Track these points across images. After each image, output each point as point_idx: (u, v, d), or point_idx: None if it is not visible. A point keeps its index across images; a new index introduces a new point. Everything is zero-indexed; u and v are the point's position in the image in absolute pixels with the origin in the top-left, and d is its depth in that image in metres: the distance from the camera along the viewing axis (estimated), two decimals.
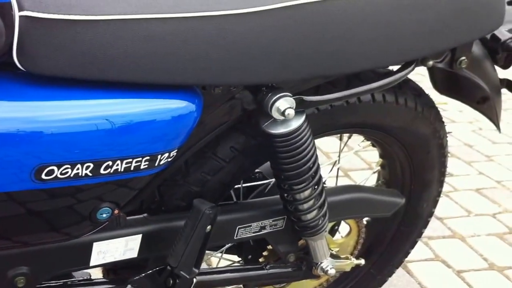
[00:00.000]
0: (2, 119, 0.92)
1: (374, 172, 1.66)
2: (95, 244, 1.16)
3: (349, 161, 2.82)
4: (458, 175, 2.88)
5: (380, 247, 1.68)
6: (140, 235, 1.21)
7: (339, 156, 1.57)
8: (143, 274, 1.23)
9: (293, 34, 1.05)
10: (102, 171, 1.01)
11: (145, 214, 1.24)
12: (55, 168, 0.97)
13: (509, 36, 1.38)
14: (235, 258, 1.53)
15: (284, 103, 1.13)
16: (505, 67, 1.44)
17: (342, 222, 1.55)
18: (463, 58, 1.34)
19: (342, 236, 1.58)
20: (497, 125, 1.53)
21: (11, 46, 0.90)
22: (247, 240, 1.34)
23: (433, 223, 2.39)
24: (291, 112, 1.13)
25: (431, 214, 1.66)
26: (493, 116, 1.51)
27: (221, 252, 1.47)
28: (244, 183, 1.41)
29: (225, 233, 1.29)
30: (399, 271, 1.78)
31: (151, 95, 1.02)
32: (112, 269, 1.30)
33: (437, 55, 1.32)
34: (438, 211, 2.38)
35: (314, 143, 1.22)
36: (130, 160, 1.03)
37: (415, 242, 1.71)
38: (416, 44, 1.19)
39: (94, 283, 1.23)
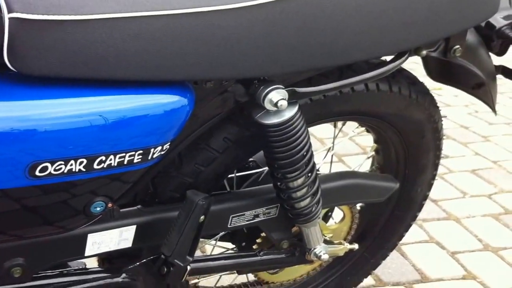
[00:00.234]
0: None
1: (368, 158, 1.68)
2: (89, 236, 1.18)
3: (343, 147, 2.82)
4: (454, 157, 2.89)
5: (374, 231, 1.69)
6: (134, 226, 1.23)
7: (333, 143, 1.58)
8: (137, 263, 1.24)
9: (283, 28, 1.06)
10: (95, 166, 1.03)
11: (139, 206, 1.25)
12: (48, 164, 0.99)
13: (504, 23, 1.38)
14: (229, 245, 1.55)
15: (277, 95, 1.14)
16: (500, 54, 1.44)
17: (336, 208, 1.57)
18: (457, 46, 1.35)
19: (335, 222, 1.60)
20: (493, 109, 1.54)
21: (1, 47, 0.91)
22: (240, 228, 1.36)
23: (427, 205, 2.40)
24: (283, 103, 1.14)
25: (425, 197, 1.68)
26: (489, 101, 1.52)
27: (215, 240, 1.49)
28: (237, 172, 1.43)
29: (219, 222, 1.31)
30: (393, 254, 1.80)
31: (143, 90, 1.03)
32: (107, 258, 1.33)
33: (431, 44, 1.33)
34: (433, 193, 2.39)
35: (307, 131, 1.23)
36: (123, 154, 1.05)
37: (410, 226, 1.73)
38: (409, 34, 1.19)
39: (89, 272, 1.25)
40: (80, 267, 1.26)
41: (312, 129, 1.42)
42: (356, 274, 1.74)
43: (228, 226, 1.33)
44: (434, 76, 1.48)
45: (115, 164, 1.05)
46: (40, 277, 1.19)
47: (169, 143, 1.10)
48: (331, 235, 1.55)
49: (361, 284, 1.82)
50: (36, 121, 0.96)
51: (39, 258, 1.16)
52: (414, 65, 1.96)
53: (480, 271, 2.09)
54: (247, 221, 1.35)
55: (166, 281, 1.26)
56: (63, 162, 1.00)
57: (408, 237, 1.91)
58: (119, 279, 1.25)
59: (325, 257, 1.41)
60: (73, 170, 1.01)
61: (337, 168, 2.37)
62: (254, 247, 1.44)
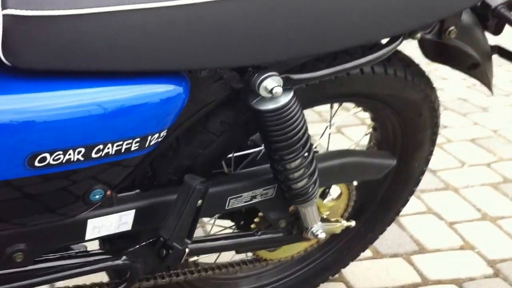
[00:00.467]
0: None
1: (366, 134, 1.69)
2: (89, 221, 1.20)
3: (342, 119, 2.83)
4: (453, 127, 2.90)
5: (371, 206, 1.72)
6: (134, 210, 1.25)
7: (330, 121, 1.59)
8: (137, 246, 1.27)
9: (276, 15, 1.07)
10: (93, 155, 1.05)
11: (137, 190, 1.27)
12: (47, 155, 1.00)
13: (500, 1, 1.37)
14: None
15: (272, 82, 1.15)
16: (496, 33, 1.43)
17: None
18: (452, 27, 1.34)
19: (333, 198, 1.61)
20: (489, 88, 1.54)
21: None
22: (238, 209, 1.38)
23: (426, 175, 2.40)
24: (278, 90, 1.15)
25: (422, 172, 1.70)
26: (485, 81, 1.52)
27: (214, 219, 1.51)
28: (235, 151, 1.44)
29: (217, 204, 1.33)
30: (391, 225, 1.82)
31: (138, 80, 1.05)
32: (107, 240, 1.35)
33: (425, 27, 1.33)
34: (432, 163, 2.40)
35: (303, 115, 1.24)
36: (121, 142, 1.06)
37: (407, 200, 1.75)
38: (403, 18, 1.19)
39: (90, 254, 1.28)
40: (81, 250, 1.28)
41: None
42: (354, 249, 1.77)
43: (226, 208, 1.35)
44: (431, 57, 1.49)
45: (113, 153, 1.06)
46: (41, 261, 1.22)
47: (165, 131, 1.12)
48: (328, 212, 1.57)
49: (359, 256, 1.85)
50: (34, 113, 0.97)
51: (40, 243, 1.19)
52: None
53: (478, 241, 2.12)
54: (245, 202, 1.36)
55: (165, 264, 1.28)
56: (61, 152, 1.01)
57: (406, 208, 1.93)
58: (119, 262, 1.27)
59: (322, 235, 1.44)
60: (72, 159, 1.03)
61: (336, 139, 2.38)
62: (252, 226, 1.46)
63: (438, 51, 1.45)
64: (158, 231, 1.25)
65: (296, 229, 1.45)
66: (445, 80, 3.44)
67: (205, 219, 1.56)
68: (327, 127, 1.59)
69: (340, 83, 1.35)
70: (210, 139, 1.30)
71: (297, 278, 1.75)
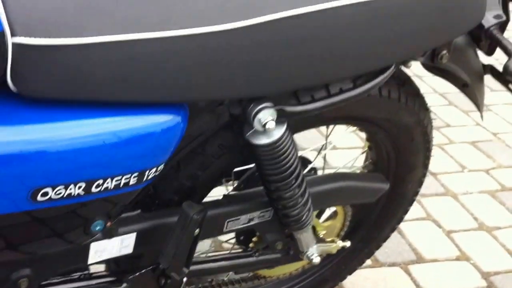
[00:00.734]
0: (1, 143, 0.98)
1: (363, 153, 1.72)
2: (92, 245, 1.24)
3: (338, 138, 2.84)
4: (455, 126, 2.92)
5: (367, 224, 1.75)
6: (135, 233, 1.28)
7: (326, 141, 1.62)
8: (137, 273, 1.30)
9: (273, 49, 1.09)
10: (93, 190, 1.08)
11: (138, 211, 1.31)
12: (49, 189, 1.04)
13: (493, 22, 1.38)
14: None
15: (266, 115, 1.17)
16: (488, 54, 1.44)
17: None
18: (444, 52, 1.36)
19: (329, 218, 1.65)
20: (479, 109, 1.57)
21: (5, 70, 0.94)
22: (236, 231, 1.42)
23: (427, 179, 2.42)
24: (271, 125, 1.17)
25: (416, 193, 1.73)
26: (475, 101, 1.54)
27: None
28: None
29: (214, 227, 1.36)
30: None
31: (137, 112, 1.07)
32: (112, 260, 1.38)
33: (419, 55, 1.35)
34: (433, 165, 2.42)
35: (295, 147, 1.27)
36: (120, 177, 1.10)
37: (402, 218, 1.78)
38: (395, 49, 1.22)
39: (93, 278, 1.32)
40: (84, 273, 1.32)
41: None
42: (351, 263, 1.81)
43: (224, 230, 1.38)
44: (429, 70, 1.49)
45: (112, 187, 1.10)
46: (45, 285, 1.26)
47: (163, 164, 1.15)
48: (324, 232, 1.60)
49: None
50: (38, 148, 1.00)
51: (45, 268, 1.22)
52: None
53: (473, 252, 2.16)
54: (242, 224, 1.39)
55: None
56: (63, 187, 1.05)
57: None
58: None
59: (316, 260, 1.47)
60: (73, 194, 1.06)
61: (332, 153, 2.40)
62: (250, 245, 1.50)
63: (432, 67, 1.46)
64: (159, 253, 1.28)
65: (293, 250, 1.48)
66: None
67: None
68: (323, 146, 1.62)
69: (334, 107, 1.37)
70: (209, 162, 1.33)
71: None
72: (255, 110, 1.17)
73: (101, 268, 1.41)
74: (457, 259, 2.13)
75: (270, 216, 1.41)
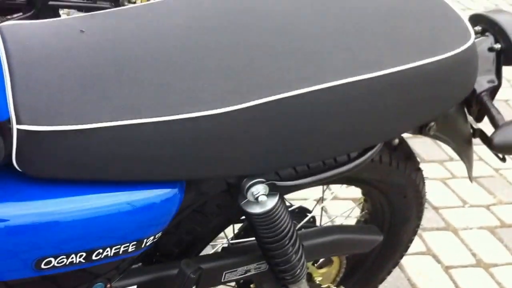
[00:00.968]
0: (9, 217, 1.06)
1: (359, 204, 1.78)
2: None
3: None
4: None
5: (363, 269, 1.81)
6: (135, 286, 1.36)
7: (322, 196, 1.69)
8: None
9: (265, 131, 1.14)
10: (93, 258, 1.16)
11: (139, 264, 1.38)
12: (52, 259, 1.12)
13: (486, 87, 1.41)
14: None
15: (258, 189, 1.23)
16: (477, 120, 1.47)
17: None
18: (432, 124, 1.39)
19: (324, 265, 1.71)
20: (468, 175, 1.60)
21: (10, 153, 1.02)
22: (234, 281, 1.48)
23: (428, 213, 2.53)
24: (263, 199, 1.23)
25: (411, 240, 1.79)
26: (465, 164, 1.59)
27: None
28: None
29: (213, 278, 1.42)
30: None
31: (135, 187, 1.14)
32: None
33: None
34: (435, 199, 2.52)
35: (288, 214, 1.33)
36: (119, 246, 1.17)
37: (397, 263, 1.84)
38: (383, 129, 1.26)
39: None
40: None
41: None
42: None
43: (222, 281, 1.45)
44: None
45: (111, 255, 1.17)
46: None
47: (160, 233, 1.22)
48: (320, 278, 1.67)
49: None
50: (42, 222, 1.08)
51: None
52: None
53: None
54: (240, 275, 1.46)
55: None
56: (65, 257, 1.13)
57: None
58: None
59: None
60: (74, 262, 1.14)
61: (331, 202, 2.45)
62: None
63: None
64: None
65: None
66: None
67: None
68: (319, 201, 1.69)
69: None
70: (208, 220, 1.40)
71: None
72: (248, 185, 1.23)
73: None
74: None
75: (266, 267, 1.47)
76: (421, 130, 1.41)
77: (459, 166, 2.84)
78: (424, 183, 1.64)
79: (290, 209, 1.63)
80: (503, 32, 1.40)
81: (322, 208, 1.70)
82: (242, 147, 1.14)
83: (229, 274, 1.44)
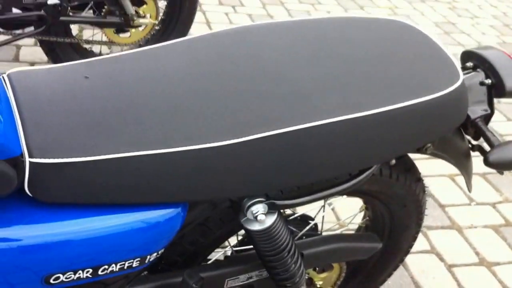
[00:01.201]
0: (22, 237, 1.14)
1: (361, 211, 1.84)
2: None
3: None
4: None
5: (363, 272, 1.87)
6: None
7: (323, 205, 1.74)
8: None
9: (263, 159, 1.22)
10: (99, 273, 1.23)
11: (145, 273, 1.46)
12: (60, 275, 1.20)
13: (479, 114, 1.47)
14: None
15: (257, 208, 1.31)
16: (475, 138, 1.52)
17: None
18: (429, 145, 1.46)
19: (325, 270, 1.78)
20: (468, 187, 1.65)
21: (23, 182, 1.11)
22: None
23: (435, 211, 2.58)
24: (262, 217, 1.31)
25: (411, 246, 1.84)
26: (465, 179, 1.64)
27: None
28: None
29: (215, 285, 1.49)
30: None
31: (138, 208, 1.22)
32: None
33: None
34: (443, 197, 2.56)
35: (287, 229, 1.40)
36: (123, 262, 1.25)
37: (397, 266, 1.90)
38: (378, 155, 1.32)
39: None
40: None
41: None
42: None
43: (224, 287, 1.52)
44: None
45: (117, 270, 1.25)
46: None
47: (163, 249, 1.29)
48: (321, 282, 1.74)
49: None
50: (51, 242, 1.16)
51: None
52: None
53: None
54: (242, 282, 1.53)
55: None
56: (72, 273, 1.21)
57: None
58: None
59: None
60: (81, 277, 1.22)
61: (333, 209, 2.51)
62: None
63: None
64: None
65: None
66: None
67: None
68: (320, 209, 1.75)
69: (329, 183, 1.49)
70: (211, 232, 1.47)
71: None
72: (248, 204, 1.31)
73: None
74: None
75: (268, 274, 1.54)
76: (419, 149, 1.47)
77: None
78: (424, 192, 1.69)
79: (292, 217, 1.70)
80: (492, 68, 1.47)
81: (323, 217, 1.76)
82: (240, 174, 1.22)
83: (231, 281, 1.51)
